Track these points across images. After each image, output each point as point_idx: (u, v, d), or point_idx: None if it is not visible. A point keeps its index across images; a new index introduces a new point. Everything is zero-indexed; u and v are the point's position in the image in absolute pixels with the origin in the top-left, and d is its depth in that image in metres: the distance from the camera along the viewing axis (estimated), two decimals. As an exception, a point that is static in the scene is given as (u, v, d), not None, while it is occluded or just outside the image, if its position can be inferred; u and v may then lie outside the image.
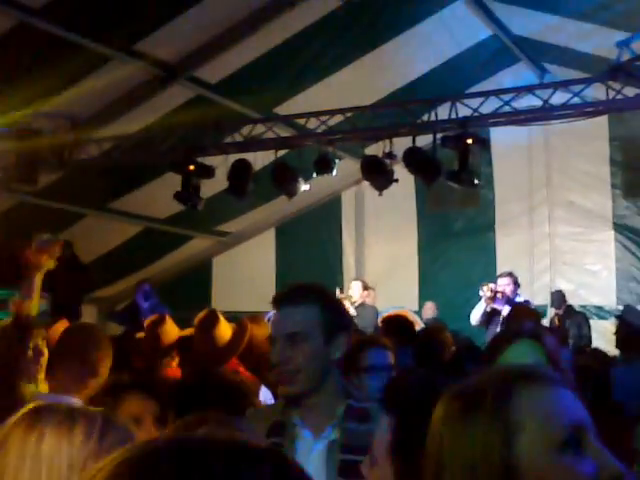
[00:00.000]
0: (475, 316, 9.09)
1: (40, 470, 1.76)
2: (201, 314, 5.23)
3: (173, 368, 5.41)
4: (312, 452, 2.42)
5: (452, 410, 1.32)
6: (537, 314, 6.70)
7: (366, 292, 10.23)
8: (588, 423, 1.28)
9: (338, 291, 9.78)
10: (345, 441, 2.38)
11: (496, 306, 8.92)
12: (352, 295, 10.06)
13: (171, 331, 5.47)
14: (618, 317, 7.54)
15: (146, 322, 5.71)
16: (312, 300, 2.49)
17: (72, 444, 1.78)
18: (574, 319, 9.88)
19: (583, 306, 10.68)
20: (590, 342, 9.45)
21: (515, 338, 2.76)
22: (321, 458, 2.40)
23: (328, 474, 2.36)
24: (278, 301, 2.55)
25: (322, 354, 2.46)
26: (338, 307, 2.60)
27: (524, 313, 5.91)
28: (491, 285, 9.05)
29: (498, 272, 10.39)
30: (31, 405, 1.89)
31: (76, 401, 3.16)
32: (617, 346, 6.92)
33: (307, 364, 2.44)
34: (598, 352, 6.82)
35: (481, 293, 9.01)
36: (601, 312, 10.86)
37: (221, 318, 5.15)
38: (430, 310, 10.67)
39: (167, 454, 0.93)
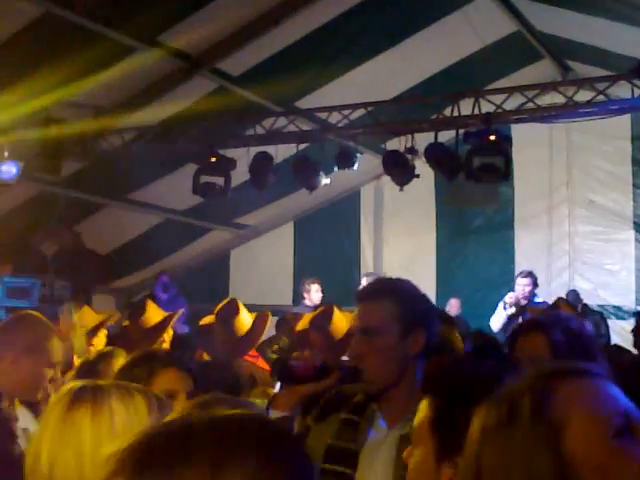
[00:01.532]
0: (496, 322, 9.10)
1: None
2: (221, 304, 5.25)
3: None
4: (383, 442, 2.44)
5: (489, 420, 1.30)
6: (571, 311, 6.61)
7: None
8: (636, 412, 1.27)
9: None
10: None
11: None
12: None
13: (154, 317, 5.50)
14: (637, 315, 7.48)
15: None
16: (388, 295, 2.50)
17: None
18: (591, 318, 9.83)
19: (601, 306, 10.62)
20: (609, 341, 9.41)
21: (523, 331, 2.79)
22: (391, 450, 2.40)
23: (396, 467, 2.35)
24: (358, 297, 2.60)
25: (399, 349, 2.47)
26: (416, 302, 2.58)
27: (562, 308, 5.84)
28: (510, 298, 9.05)
29: (516, 270, 10.38)
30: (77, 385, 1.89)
31: None
32: (635, 345, 6.88)
33: (382, 360, 2.45)
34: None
35: (507, 312, 9.01)
36: (620, 312, 10.80)
37: (242, 308, 5.16)
38: (454, 307, 10.63)
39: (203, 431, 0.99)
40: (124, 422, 1.75)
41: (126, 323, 5.72)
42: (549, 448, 1.23)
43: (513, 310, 9.02)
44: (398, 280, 2.65)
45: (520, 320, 8.94)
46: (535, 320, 3.12)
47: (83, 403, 1.80)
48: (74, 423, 1.78)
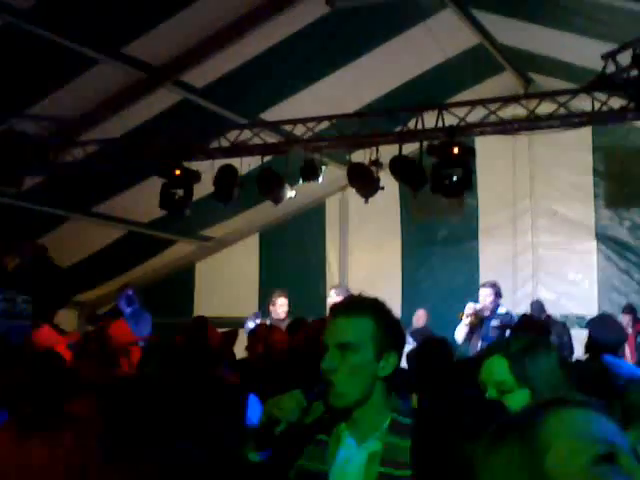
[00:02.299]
0: (459, 335, 9.15)
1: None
2: (190, 320, 5.23)
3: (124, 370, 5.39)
4: (352, 460, 2.42)
5: (483, 444, 1.32)
6: (542, 325, 6.66)
7: (342, 298, 10.13)
8: (624, 445, 1.27)
9: None
10: (385, 454, 2.37)
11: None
12: (331, 303, 9.98)
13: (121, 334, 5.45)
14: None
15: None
16: (368, 313, 2.46)
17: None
18: (554, 328, 9.91)
19: (565, 315, 10.70)
20: (572, 351, 9.49)
21: (488, 354, 2.82)
22: (360, 468, 2.39)
23: None
24: (334, 310, 2.55)
25: (370, 369, 2.44)
26: (394, 324, 2.54)
27: (528, 326, 5.88)
28: (468, 308, 9.11)
29: (481, 280, 10.43)
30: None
31: None
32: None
33: (353, 376, 2.42)
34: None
35: (463, 322, 9.09)
36: (582, 322, 10.87)
37: (210, 325, 5.14)
38: (422, 318, 10.65)
39: None
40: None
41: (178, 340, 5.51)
42: (530, 472, 1.24)
43: (470, 320, 9.06)
44: (377, 299, 2.58)
45: (481, 330, 9.03)
46: (497, 343, 3.21)
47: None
48: None
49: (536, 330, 5.61)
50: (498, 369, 2.72)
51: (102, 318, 11.52)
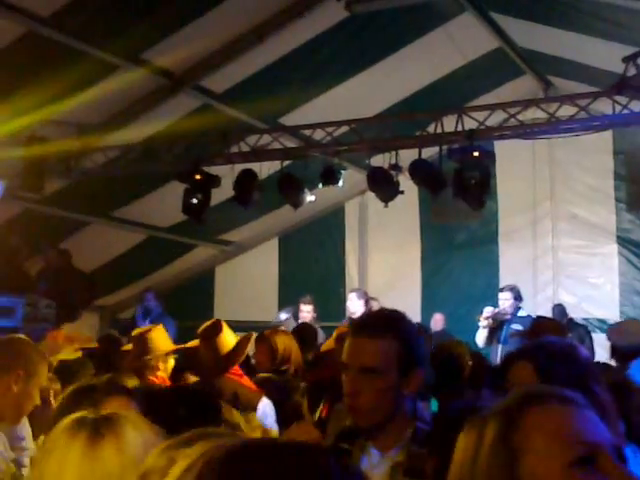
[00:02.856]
0: (480, 339, 9.14)
1: None
2: (206, 323, 5.24)
3: (159, 377, 5.39)
4: (376, 470, 2.39)
5: (467, 437, 1.33)
6: (561, 328, 6.59)
7: (362, 302, 10.16)
8: (608, 445, 1.25)
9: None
10: (408, 464, 2.34)
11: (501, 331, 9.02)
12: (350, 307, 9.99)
13: (158, 341, 5.45)
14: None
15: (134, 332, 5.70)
16: (392, 334, 2.38)
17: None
18: (576, 332, 9.86)
19: (586, 319, 10.65)
20: (593, 355, 9.44)
21: (516, 358, 2.76)
22: (384, 478, 2.36)
23: None
24: (356, 329, 2.45)
25: (395, 389, 2.39)
26: (417, 341, 2.46)
27: (546, 328, 5.83)
28: (486, 311, 9.11)
29: (501, 284, 10.39)
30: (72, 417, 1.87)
31: None
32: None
33: (379, 400, 2.37)
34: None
35: (479, 324, 9.09)
36: (604, 325, 10.81)
37: (225, 328, 5.15)
38: (440, 322, 10.66)
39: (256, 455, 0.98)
40: (140, 452, 1.72)
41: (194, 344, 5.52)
42: (507, 474, 1.24)
43: (488, 323, 9.04)
44: (400, 315, 2.51)
45: (503, 333, 9.01)
46: (519, 348, 3.12)
47: (106, 435, 1.77)
48: (99, 457, 1.75)
49: (552, 332, 5.56)
50: (524, 374, 2.67)
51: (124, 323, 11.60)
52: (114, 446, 1.75)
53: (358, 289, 10.69)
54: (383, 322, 2.44)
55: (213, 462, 0.97)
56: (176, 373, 5.39)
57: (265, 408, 4.73)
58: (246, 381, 5.12)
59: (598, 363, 6.62)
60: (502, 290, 9.45)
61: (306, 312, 9.84)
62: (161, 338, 5.47)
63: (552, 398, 1.31)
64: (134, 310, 11.69)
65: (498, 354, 8.66)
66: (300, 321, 9.73)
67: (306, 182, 8.83)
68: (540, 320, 7.09)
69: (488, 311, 9.13)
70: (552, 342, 2.74)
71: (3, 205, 9.22)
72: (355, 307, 9.62)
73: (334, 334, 5.39)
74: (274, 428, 4.55)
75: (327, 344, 5.73)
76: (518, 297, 9.34)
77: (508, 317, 9.11)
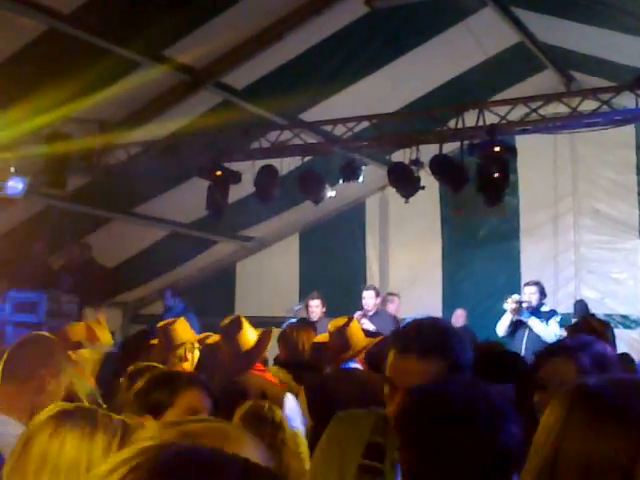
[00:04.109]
0: (501, 327, 9.17)
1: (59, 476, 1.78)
2: (226, 320, 5.26)
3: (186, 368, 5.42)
4: None
5: (581, 412, 1.30)
6: (602, 328, 6.50)
7: (379, 299, 10.18)
8: None
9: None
10: None
11: (522, 318, 9.04)
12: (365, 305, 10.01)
13: (183, 332, 5.47)
14: None
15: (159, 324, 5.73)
16: (441, 354, 2.29)
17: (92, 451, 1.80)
18: (597, 328, 9.80)
19: (609, 315, 10.56)
20: (615, 352, 9.38)
21: (550, 353, 2.73)
22: None
23: None
24: (403, 346, 2.34)
25: None
26: (466, 359, 2.37)
27: (586, 327, 5.76)
28: (515, 296, 9.14)
29: (523, 280, 10.38)
30: (55, 407, 1.91)
31: (10, 421, 3.06)
32: None
33: None
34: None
35: (505, 306, 9.09)
36: (627, 321, 10.77)
37: (245, 324, 5.16)
38: (461, 318, 10.63)
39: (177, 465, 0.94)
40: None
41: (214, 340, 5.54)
42: (629, 457, 1.24)
43: (515, 307, 9.07)
44: (449, 332, 2.42)
45: (519, 317, 9.03)
46: (562, 343, 3.07)
47: (44, 427, 1.84)
48: (30, 443, 1.81)
49: (593, 333, 5.50)
50: (565, 369, 2.61)
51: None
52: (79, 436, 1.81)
53: (371, 286, 10.66)
54: (433, 341, 2.34)
55: (139, 469, 0.93)
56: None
57: (291, 404, 4.70)
58: (269, 376, 5.14)
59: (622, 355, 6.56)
60: (527, 284, 9.51)
61: (314, 307, 9.87)
62: (185, 329, 5.50)
63: None
64: (155, 306, 11.75)
65: (522, 347, 8.71)
66: (310, 316, 9.78)
67: (327, 178, 8.84)
68: (584, 319, 7.05)
69: (515, 298, 9.16)
70: (592, 340, 2.72)
71: (26, 202, 9.30)
72: (370, 304, 9.89)
73: (329, 327, 5.29)
74: (300, 428, 4.47)
75: (322, 336, 5.69)
76: (543, 292, 9.36)
77: (531, 310, 9.15)
